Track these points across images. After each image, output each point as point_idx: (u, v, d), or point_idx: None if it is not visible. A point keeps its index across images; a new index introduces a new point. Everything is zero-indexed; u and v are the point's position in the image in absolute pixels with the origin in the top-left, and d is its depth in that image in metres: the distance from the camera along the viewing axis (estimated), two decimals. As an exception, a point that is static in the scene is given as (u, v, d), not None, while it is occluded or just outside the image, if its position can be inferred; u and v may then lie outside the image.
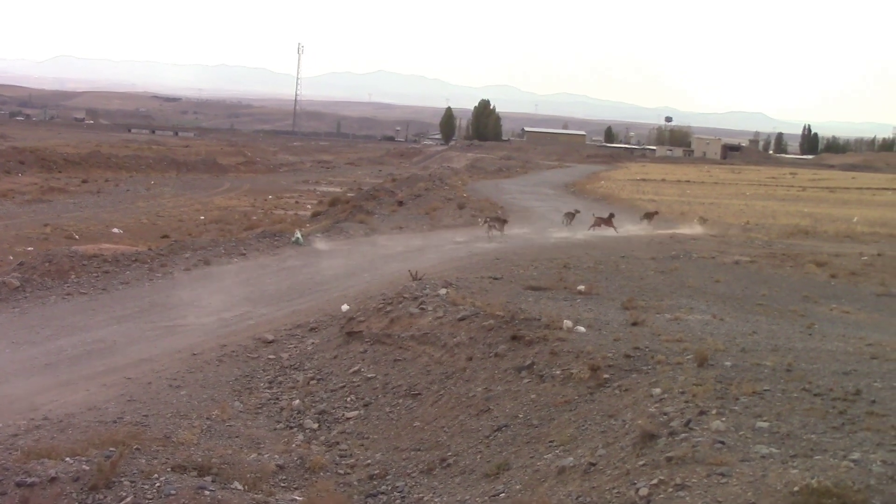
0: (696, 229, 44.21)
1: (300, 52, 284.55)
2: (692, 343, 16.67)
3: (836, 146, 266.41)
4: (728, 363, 14.93)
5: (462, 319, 19.33)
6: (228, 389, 18.71)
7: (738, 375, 14.00)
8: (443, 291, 22.15)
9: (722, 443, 10.93)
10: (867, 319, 22.55)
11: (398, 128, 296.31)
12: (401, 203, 52.07)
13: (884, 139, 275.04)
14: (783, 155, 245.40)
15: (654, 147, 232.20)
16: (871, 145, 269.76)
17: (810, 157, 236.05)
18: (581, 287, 23.78)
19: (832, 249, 38.23)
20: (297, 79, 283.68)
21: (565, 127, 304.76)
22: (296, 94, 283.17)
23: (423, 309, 20.79)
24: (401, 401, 17.28)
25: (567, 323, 18.15)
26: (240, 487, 12.67)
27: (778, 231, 45.81)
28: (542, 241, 38.43)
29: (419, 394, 17.18)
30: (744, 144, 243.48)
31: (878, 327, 21.29)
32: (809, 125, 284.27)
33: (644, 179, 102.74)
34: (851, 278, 30.04)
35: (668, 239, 39.84)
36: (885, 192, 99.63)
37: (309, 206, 62.60)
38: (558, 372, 15.66)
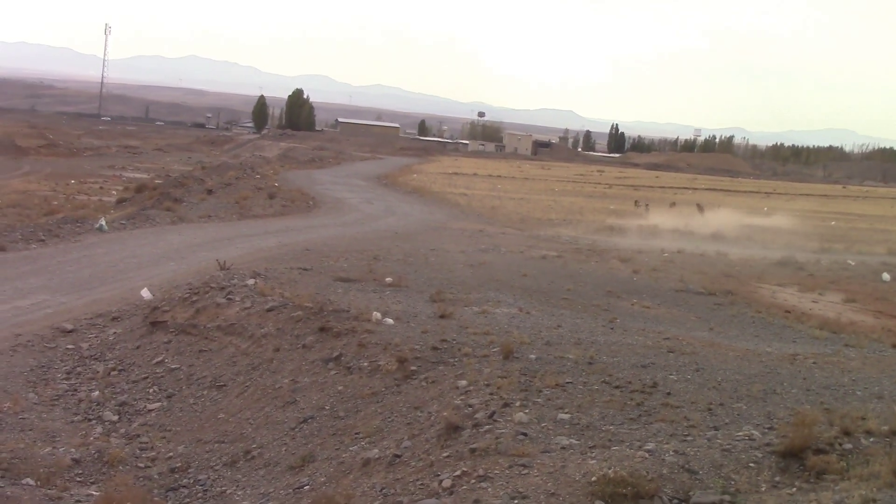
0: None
1: (107, 32, 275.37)
2: (498, 336, 16.87)
3: (641, 146, 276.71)
4: (533, 356, 15.21)
5: (270, 310, 19.10)
6: (22, 381, 17.79)
7: (542, 368, 14.27)
8: (251, 282, 21.83)
9: (525, 434, 11.10)
10: (666, 314, 23.41)
11: (209, 115, 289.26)
12: (210, 191, 50.99)
13: (685, 140, 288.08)
14: (591, 153, 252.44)
15: (466, 141, 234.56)
16: (673, 146, 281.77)
17: (617, 155, 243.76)
18: (389, 279, 23.82)
19: (635, 246, 40.03)
20: (104, 60, 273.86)
21: (379, 119, 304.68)
22: (102, 77, 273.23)
23: (230, 299, 20.46)
24: (205, 392, 16.92)
25: (376, 315, 18.12)
26: (32, 483, 12.13)
27: (584, 227, 47.55)
28: (353, 233, 38.31)
29: (224, 385, 16.87)
30: (554, 141, 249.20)
31: (675, 322, 22.14)
32: (617, 124, 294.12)
33: (456, 173, 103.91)
34: (652, 274, 31.34)
35: (478, 233, 40.56)
36: (685, 191, 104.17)
37: (114, 193, 60.26)
38: (366, 364, 15.60)
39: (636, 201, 75.03)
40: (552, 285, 26.32)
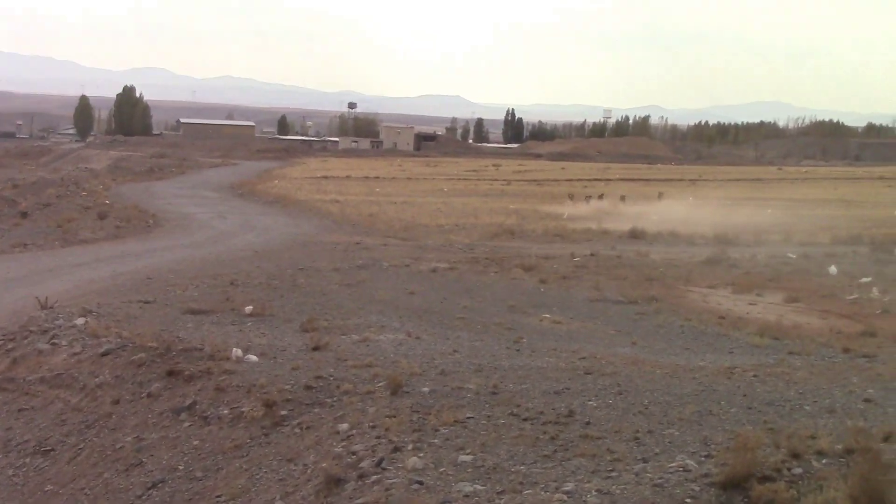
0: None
1: None
2: (384, 368, 16.76)
3: (542, 133, 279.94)
4: (426, 389, 15.18)
5: (105, 354, 18.74)
6: None
7: (438, 402, 14.23)
8: (80, 321, 21.42)
9: (420, 483, 11.02)
10: (580, 329, 23.68)
11: (19, 122, 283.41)
12: (25, 214, 49.89)
13: (594, 123, 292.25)
14: (485, 144, 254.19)
15: (336, 139, 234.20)
16: (580, 131, 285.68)
17: (515, 145, 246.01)
18: (250, 307, 23.50)
19: (541, 251, 40.50)
20: None
21: (230, 117, 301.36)
22: None
23: (55, 344, 20.02)
24: (28, 460, 16.43)
25: (236, 352, 17.92)
26: None
27: (480, 232, 47.99)
28: (204, 255, 37.67)
29: (52, 450, 16.41)
30: (440, 133, 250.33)
31: (592, 338, 22.38)
32: (513, 109, 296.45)
33: (326, 177, 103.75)
34: (563, 283, 31.81)
35: (354, 246, 40.51)
36: (597, 182, 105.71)
37: None
38: (226, 411, 15.44)
39: (570, 195, 76.76)
40: (445, 303, 26.44)
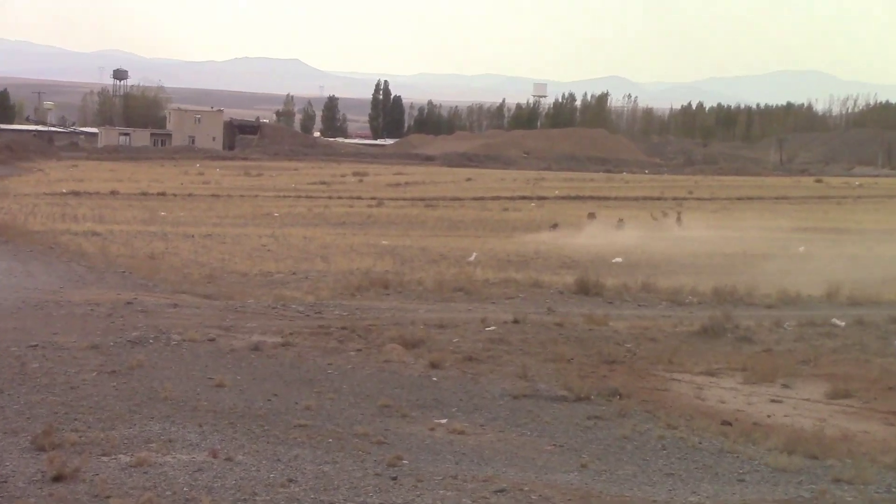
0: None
1: None
2: (171, 511, 14.97)
3: (434, 120, 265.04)
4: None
5: None
6: None
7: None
8: None
9: None
10: (496, 443, 21.96)
11: None
12: None
13: (517, 106, 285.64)
14: (340, 140, 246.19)
15: (94, 129, 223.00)
16: (495, 117, 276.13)
17: (389, 141, 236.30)
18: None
19: (433, 315, 37.79)
20: None
21: None
22: None
23: None
24: None
25: None
26: None
27: (333, 284, 45.46)
28: None
29: None
30: (265, 121, 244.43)
31: (515, 457, 20.75)
32: (385, 81, 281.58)
33: (77, 192, 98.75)
34: (468, 367, 29.50)
35: (124, 307, 38.00)
36: (522, 202, 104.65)
37: None
38: None
39: (590, 214, 76.42)
40: (275, 402, 24.55)
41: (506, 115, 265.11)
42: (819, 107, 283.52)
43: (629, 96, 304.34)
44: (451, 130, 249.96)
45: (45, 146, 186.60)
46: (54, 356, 28.77)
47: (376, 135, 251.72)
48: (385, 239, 65.87)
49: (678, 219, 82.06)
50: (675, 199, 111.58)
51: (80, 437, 20.65)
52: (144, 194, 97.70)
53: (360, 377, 28.01)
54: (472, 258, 55.81)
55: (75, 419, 22.17)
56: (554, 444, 22.33)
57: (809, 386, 28.90)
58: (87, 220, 73.07)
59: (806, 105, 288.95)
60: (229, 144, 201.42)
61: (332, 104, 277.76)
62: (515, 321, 36.77)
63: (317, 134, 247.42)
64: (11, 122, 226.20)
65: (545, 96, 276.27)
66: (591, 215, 78.87)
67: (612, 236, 69.83)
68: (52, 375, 26.47)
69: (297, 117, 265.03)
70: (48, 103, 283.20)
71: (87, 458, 18.89)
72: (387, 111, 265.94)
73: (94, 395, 24.51)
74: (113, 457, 19.41)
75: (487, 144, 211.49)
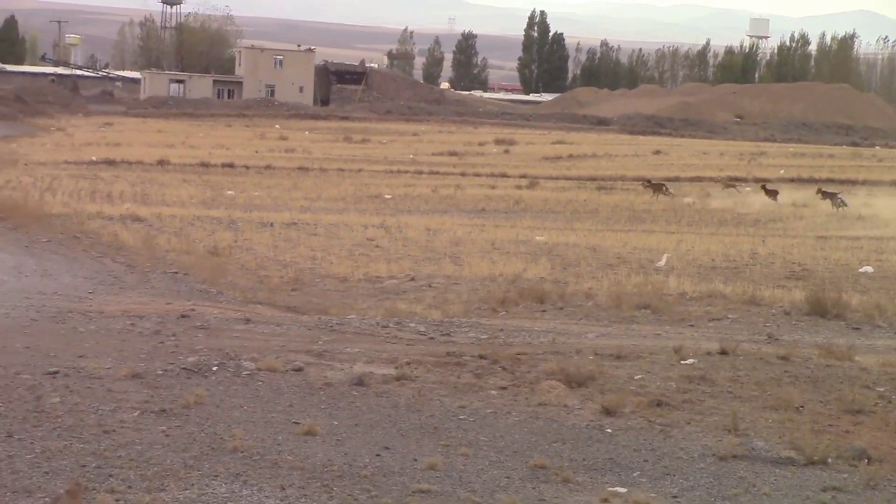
0: None
1: None
2: None
3: (603, 69, 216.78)
4: None
5: None
6: None
7: None
8: None
9: None
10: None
11: None
12: None
13: (727, 49, 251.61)
14: (480, 94, 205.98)
15: (135, 74, 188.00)
16: (693, 64, 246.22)
17: (544, 97, 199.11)
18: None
19: (607, 341, 31.06)
20: None
21: None
22: None
23: None
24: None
25: None
26: None
27: (468, 294, 38.39)
28: None
29: None
30: (372, 65, 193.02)
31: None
32: (542, 12, 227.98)
33: (111, 161, 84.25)
34: (656, 415, 24.31)
35: (176, 322, 31.75)
36: (738, 182, 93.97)
37: None
38: None
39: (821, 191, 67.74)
40: (386, 457, 21.49)
41: (710, 64, 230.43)
42: None
43: (885, 39, 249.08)
44: (634, 83, 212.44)
45: (68, 96, 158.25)
46: (81, 388, 24.60)
47: (528, 88, 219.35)
48: (540, 234, 55.83)
49: None
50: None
51: (118, 500, 18.24)
52: (204, 165, 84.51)
53: (504, 426, 23.89)
54: (661, 262, 47.48)
55: (110, 475, 19.28)
56: (777, 527, 18.92)
57: None
58: (125, 199, 62.11)
59: None
60: (323, 98, 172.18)
61: (466, 44, 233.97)
62: (723, 352, 30.07)
63: (445, 85, 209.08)
64: (22, 63, 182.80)
65: (767, 37, 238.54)
66: (824, 194, 67.71)
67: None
68: (78, 414, 23.21)
69: (419, 61, 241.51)
70: (72, 37, 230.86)
71: (126, 532, 16.53)
72: (543, 55, 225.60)
73: (135, 443, 21.27)
74: (166, 525, 16.79)
75: (684, 104, 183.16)
